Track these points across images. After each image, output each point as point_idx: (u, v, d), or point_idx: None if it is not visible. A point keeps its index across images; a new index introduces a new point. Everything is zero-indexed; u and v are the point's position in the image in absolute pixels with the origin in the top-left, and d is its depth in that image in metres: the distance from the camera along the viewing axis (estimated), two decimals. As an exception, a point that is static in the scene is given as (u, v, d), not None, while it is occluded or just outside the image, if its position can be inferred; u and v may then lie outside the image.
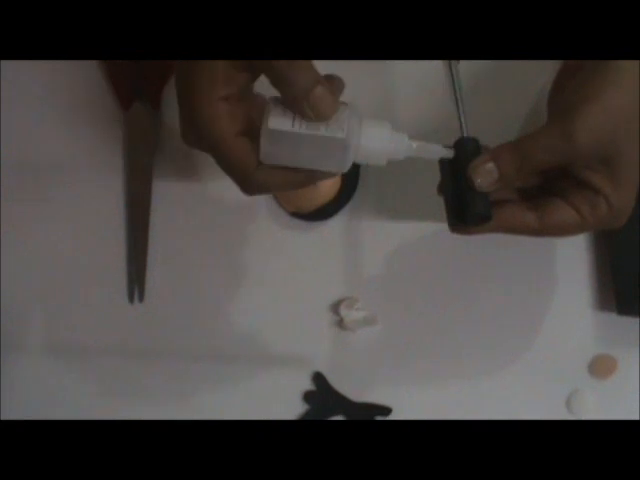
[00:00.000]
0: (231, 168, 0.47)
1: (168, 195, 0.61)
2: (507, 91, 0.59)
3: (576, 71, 0.48)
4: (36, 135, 0.62)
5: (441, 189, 0.51)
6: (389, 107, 0.60)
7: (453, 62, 0.55)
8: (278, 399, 0.59)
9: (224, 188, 0.61)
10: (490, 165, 0.47)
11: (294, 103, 0.44)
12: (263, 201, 0.60)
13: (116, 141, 0.61)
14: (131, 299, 0.60)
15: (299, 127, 0.45)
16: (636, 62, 0.46)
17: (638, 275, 0.58)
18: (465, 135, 0.50)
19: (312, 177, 0.47)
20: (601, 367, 0.59)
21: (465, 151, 0.48)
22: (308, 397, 0.59)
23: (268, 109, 0.45)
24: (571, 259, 0.60)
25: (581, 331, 0.59)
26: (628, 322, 0.58)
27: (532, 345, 0.59)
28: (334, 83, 0.47)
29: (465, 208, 0.48)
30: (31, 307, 0.60)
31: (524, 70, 0.58)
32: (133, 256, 0.60)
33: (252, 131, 0.46)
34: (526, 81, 0.59)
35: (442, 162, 0.49)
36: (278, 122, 0.45)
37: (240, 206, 0.61)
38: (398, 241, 0.59)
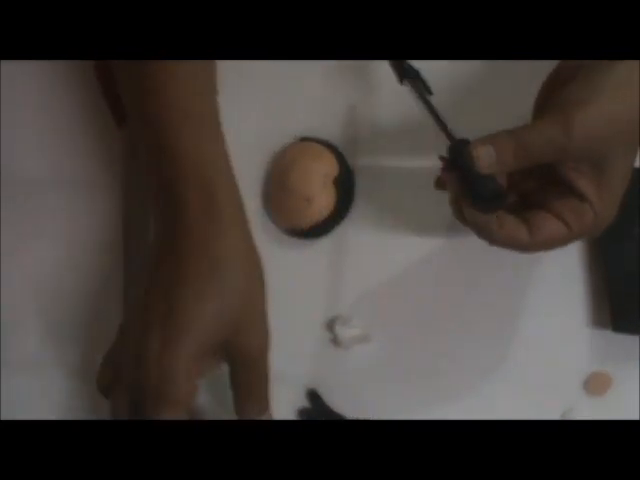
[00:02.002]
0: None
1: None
2: (502, 94, 0.59)
3: (572, 75, 0.48)
4: (31, 149, 0.62)
5: (438, 184, 0.52)
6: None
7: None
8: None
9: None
10: (489, 147, 0.47)
11: None
12: (258, 218, 0.60)
13: (113, 157, 0.62)
14: (126, 316, 0.60)
15: None
16: (636, 75, 0.46)
17: (634, 292, 0.58)
18: (457, 138, 0.50)
19: None
20: (596, 384, 0.58)
21: (460, 149, 0.48)
22: (302, 414, 0.59)
23: None
24: (567, 276, 0.60)
25: (576, 348, 0.59)
26: (623, 339, 0.58)
27: (527, 362, 0.59)
28: None
29: (477, 195, 0.48)
30: (26, 323, 0.60)
31: (520, 73, 0.57)
32: (131, 272, 0.60)
33: None
34: (522, 85, 0.58)
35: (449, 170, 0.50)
36: None
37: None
38: (392, 259, 0.59)
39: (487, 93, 0.59)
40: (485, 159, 0.47)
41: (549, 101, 0.49)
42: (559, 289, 0.60)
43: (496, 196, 0.48)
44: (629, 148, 0.48)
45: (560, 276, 0.60)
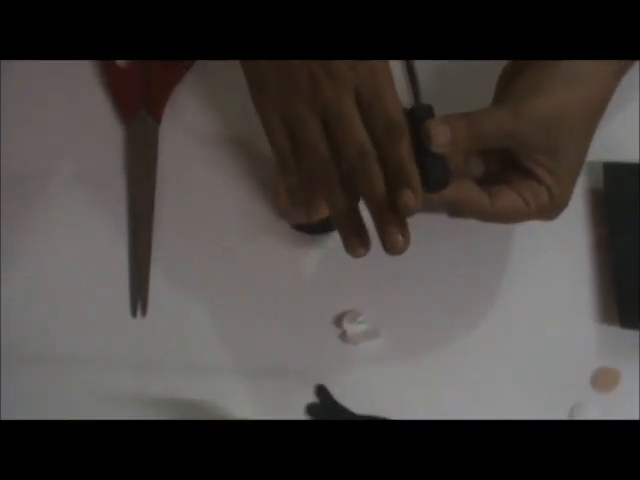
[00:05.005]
0: None
1: (171, 209, 0.61)
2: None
3: (525, 66, 0.51)
4: (37, 146, 0.62)
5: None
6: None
7: None
8: (281, 412, 0.59)
9: (227, 202, 0.61)
10: (444, 127, 0.49)
11: None
12: (266, 215, 0.60)
13: (119, 154, 0.62)
14: (134, 312, 0.60)
15: None
16: (584, 71, 0.50)
17: (641, 288, 0.58)
18: (420, 102, 0.51)
19: None
20: (604, 380, 0.59)
21: (420, 117, 0.50)
22: (311, 410, 0.59)
23: None
24: (574, 272, 0.60)
25: (584, 344, 0.59)
26: (631, 335, 0.58)
27: (535, 358, 0.59)
28: None
29: (425, 173, 0.49)
30: (33, 319, 0.60)
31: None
32: (136, 269, 0.60)
33: None
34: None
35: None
36: None
37: (243, 220, 0.61)
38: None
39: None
40: (440, 138, 0.49)
41: (505, 90, 0.52)
42: (566, 285, 0.60)
43: (442, 179, 0.49)
44: (580, 140, 0.51)
45: (568, 272, 0.60)
